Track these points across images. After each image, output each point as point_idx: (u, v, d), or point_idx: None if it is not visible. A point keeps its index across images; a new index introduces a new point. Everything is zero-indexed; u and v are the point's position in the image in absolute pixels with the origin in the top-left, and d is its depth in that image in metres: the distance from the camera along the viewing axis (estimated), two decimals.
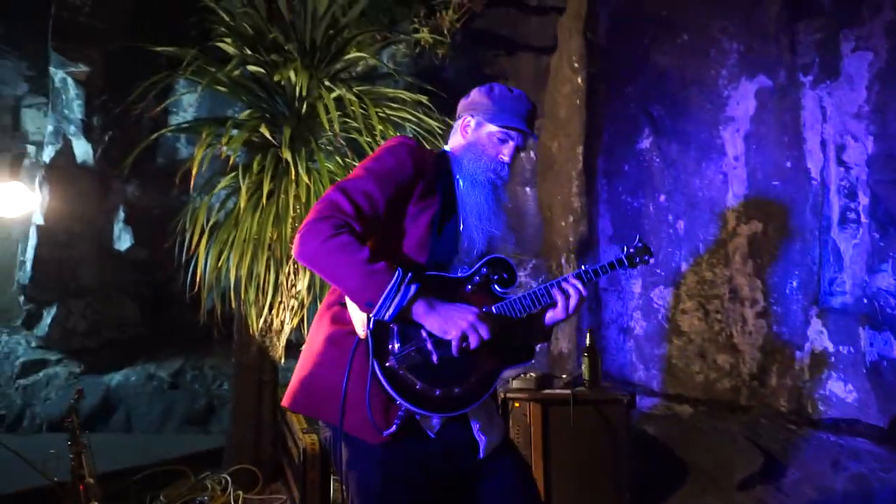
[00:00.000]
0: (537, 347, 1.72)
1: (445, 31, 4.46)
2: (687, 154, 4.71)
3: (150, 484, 3.60)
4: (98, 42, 5.40)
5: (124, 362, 5.35)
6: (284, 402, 1.65)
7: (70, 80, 5.47)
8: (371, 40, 3.96)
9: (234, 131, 3.23)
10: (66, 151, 5.54)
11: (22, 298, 5.39)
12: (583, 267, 1.66)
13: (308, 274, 3.29)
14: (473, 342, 1.49)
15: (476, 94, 1.74)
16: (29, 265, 5.34)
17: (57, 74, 5.47)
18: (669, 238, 4.75)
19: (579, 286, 1.62)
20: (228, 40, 3.45)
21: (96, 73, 5.49)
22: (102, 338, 5.47)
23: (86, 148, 5.59)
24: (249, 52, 3.40)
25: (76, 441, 2.70)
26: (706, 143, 4.65)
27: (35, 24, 5.36)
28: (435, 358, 1.51)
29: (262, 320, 3.34)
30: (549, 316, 1.66)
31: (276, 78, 3.27)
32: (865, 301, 4.12)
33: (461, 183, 1.67)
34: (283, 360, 3.61)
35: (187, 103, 5.79)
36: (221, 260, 3.26)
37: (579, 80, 4.54)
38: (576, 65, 4.55)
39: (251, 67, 3.41)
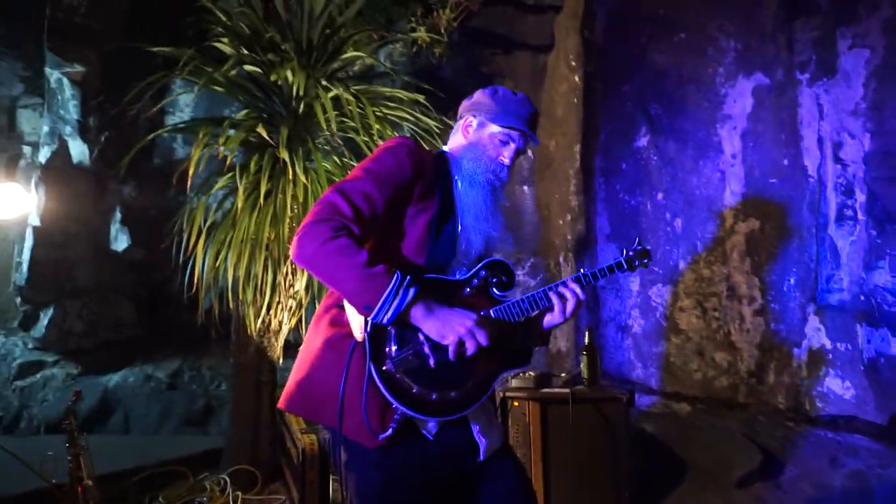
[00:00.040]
0: (534, 351, 1.72)
1: (442, 30, 4.45)
2: (684, 152, 4.71)
3: (149, 485, 3.59)
4: (94, 42, 5.38)
5: (122, 363, 5.34)
6: (281, 403, 1.64)
7: (66, 81, 5.45)
8: (368, 39, 3.96)
9: (231, 131, 3.23)
10: (62, 152, 5.52)
11: (18, 300, 5.37)
12: (581, 270, 1.65)
13: (306, 274, 3.28)
14: (470, 348, 1.49)
15: (479, 95, 1.74)
16: (25, 266, 5.32)
17: (52, 75, 5.45)
18: (667, 236, 4.76)
19: (577, 290, 1.61)
20: (225, 40, 3.45)
21: (92, 73, 5.47)
22: (99, 339, 5.46)
23: (82, 148, 5.57)
24: (246, 51, 3.40)
25: (74, 443, 2.70)
26: (703, 141, 4.66)
27: (30, 25, 5.34)
28: (432, 362, 1.51)
29: (259, 320, 3.33)
30: (547, 319, 1.66)
31: (272, 78, 3.26)
32: (863, 298, 4.12)
33: (459, 184, 1.67)
34: (281, 361, 3.61)
35: (184, 103, 5.78)
36: (219, 260, 3.26)
37: (576, 78, 4.54)
38: (573, 63, 4.55)
39: (248, 67, 3.40)
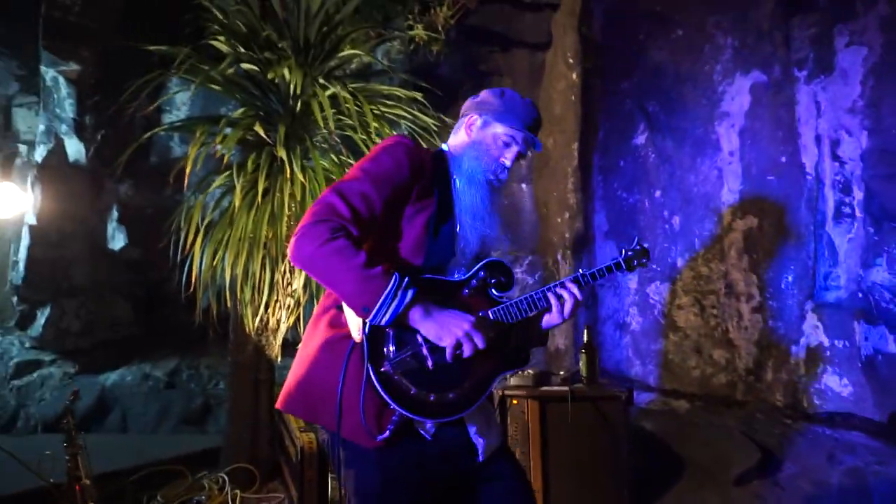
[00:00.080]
0: (532, 352, 1.72)
1: (440, 28, 4.44)
2: (682, 150, 4.71)
3: (147, 484, 3.58)
4: (89, 41, 5.36)
5: (119, 362, 5.34)
6: (279, 404, 1.64)
7: (61, 79, 5.43)
8: (365, 37, 3.95)
9: (228, 130, 3.22)
10: (58, 151, 5.51)
11: (15, 299, 5.36)
12: (580, 271, 1.65)
13: (304, 272, 3.27)
14: (468, 350, 1.49)
15: (487, 95, 1.73)
16: (22, 265, 5.31)
17: (48, 73, 5.42)
18: (665, 234, 4.76)
19: (575, 290, 1.61)
20: (222, 38, 3.43)
21: (88, 71, 5.45)
22: (96, 338, 5.45)
23: (78, 147, 5.55)
24: (243, 49, 3.39)
25: (72, 442, 2.70)
26: (701, 138, 4.66)
27: (26, 23, 5.32)
28: (430, 363, 1.51)
29: (257, 319, 3.33)
30: (546, 320, 1.66)
31: (269, 76, 3.26)
32: (860, 295, 4.13)
33: (458, 182, 1.66)
34: (279, 359, 3.60)
35: (180, 102, 5.76)
36: (216, 259, 3.25)
37: (574, 76, 4.53)
38: (571, 61, 4.54)
39: (245, 65, 3.39)
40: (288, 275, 3.32)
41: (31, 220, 5.33)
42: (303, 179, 3.12)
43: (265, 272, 3.26)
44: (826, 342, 4.20)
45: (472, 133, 1.71)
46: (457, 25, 4.55)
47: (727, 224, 4.56)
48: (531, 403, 2.96)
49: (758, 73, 4.50)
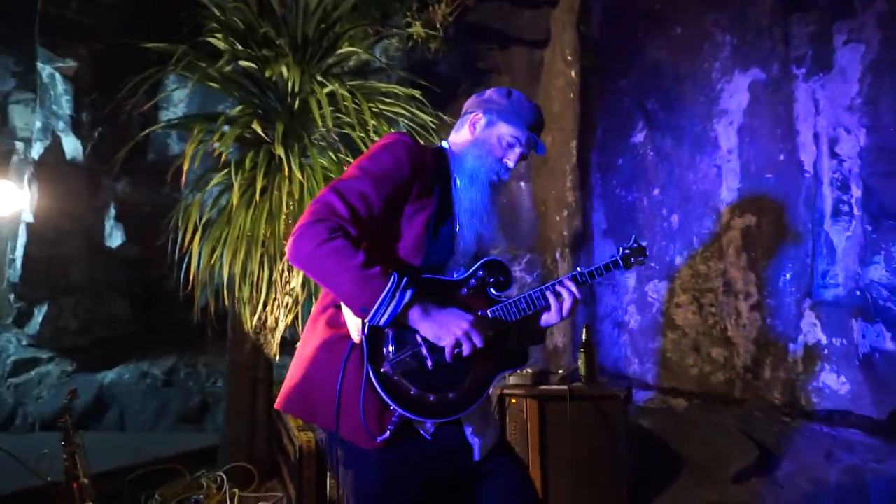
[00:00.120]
0: (531, 350, 1.71)
1: (438, 25, 4.43)
2: (681, 147, 4.71)
3: (145, 483, 3.58)
4: (86, 38, 5.35)
5: (116, 360, 5.33)
6: (278, 404, 1.63)
7: (58, 76, 5.41)
8: (363, 35, 3.93)
9: (226, 127, 3.21)
10: (55, 148, 5.49)
11: (12, 296, 5.35)
12: (578, 269, 1.65)
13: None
14: (466, 350, 1.49)
15: (493, 94, 1.72)
16: (19, 263, 5.29)
17: (45, 70, 5.40)
18: (663, 232, 4.76)
19: (573, 289, 1.61)
20: (219, 35, 3.42)
21: (85, 68, 5.43)
22: (94, 336, 5.44)
23: (75, 144, 5.54)
24: (241, 47, 3.37)
25: (70, 441, 2.69)
26: (700, 136, 4.65)
27: (22, 20, 5.30)
28: (430, 363, 1.50)
29: (256, 317, 3.32)
30: (544, 319, 1.65)
31: (267, 73, 3.24)
32: (858, 293, 4.13)
33: (459, 181, 1.65)
34: (277, 358, 3.60)
35: (178, 99, 5.74)
36: (214, 257, 3.24)
37: (573, 73, 4.52)
38: (569, 58, 4.53)
39: (243, 63, 3.38)
40: (286, 273, 3.32)
41: (28, 217, 5.32)
42: (301, 177, 3.11)
43: (263, 270, 3.25)
44: (824, 340, 4.20)
45: (476, 132, 1.70)
46: (455, 23, 4.54)
47: (726, 222, 4.56)
48: (530, 402, 2.96)
49: (756, 71, 4.50)
